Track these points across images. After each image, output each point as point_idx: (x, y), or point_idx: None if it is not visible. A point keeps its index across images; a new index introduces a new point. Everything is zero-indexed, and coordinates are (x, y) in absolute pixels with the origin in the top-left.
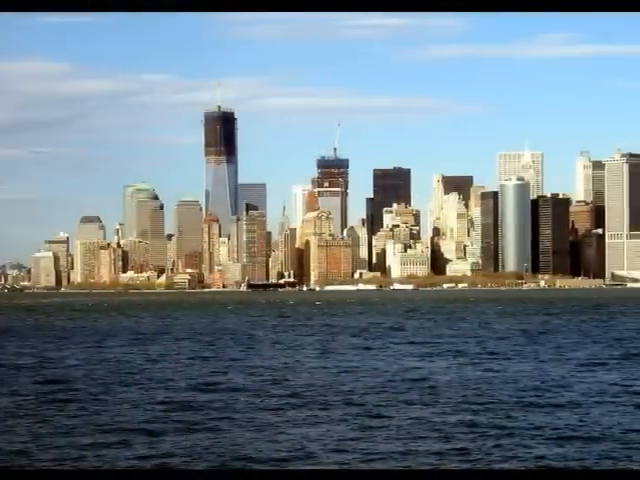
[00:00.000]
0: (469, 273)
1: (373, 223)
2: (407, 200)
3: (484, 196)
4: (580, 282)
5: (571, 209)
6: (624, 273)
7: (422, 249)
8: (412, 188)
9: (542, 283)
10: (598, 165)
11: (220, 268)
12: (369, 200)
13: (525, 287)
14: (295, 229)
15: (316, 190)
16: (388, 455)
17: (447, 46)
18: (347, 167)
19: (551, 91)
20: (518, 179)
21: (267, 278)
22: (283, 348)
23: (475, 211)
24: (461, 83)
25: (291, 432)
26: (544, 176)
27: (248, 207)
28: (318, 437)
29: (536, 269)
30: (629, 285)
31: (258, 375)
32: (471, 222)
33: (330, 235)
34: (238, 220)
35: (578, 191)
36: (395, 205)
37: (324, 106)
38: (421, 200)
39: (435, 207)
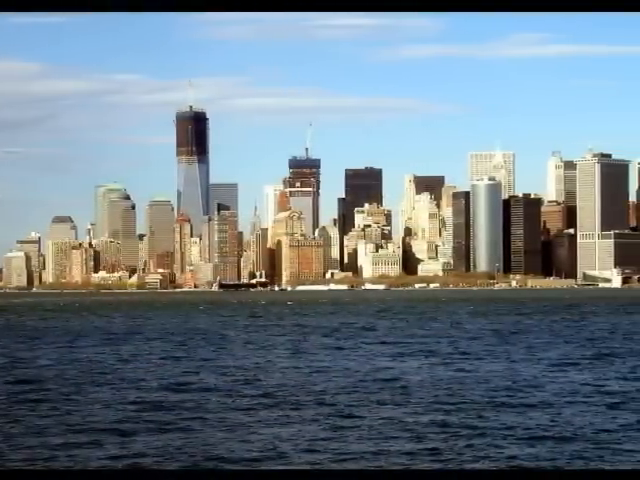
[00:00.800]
0: (441, 273)
1: (345, 223)
2: (379, 200)
3: (456, 196)
4: (552, 282)
5: (543, 209)
6: (596, 273)
7: (394, 249)
8: (384, 188)
9: (514, 283)
10: (570, 165)
11: (192, 268)
12: (341, 200)
13: (497, 287)
14: (267, 229)
15: (288, 190)
16: (360, 455)
17: (420, 46)
18: (319, 167)
19: (523, 91)
20: (490, 179)
21: (239, 278)
22: (255, 348)
23: (447, 211)
24: (433, 83)
25: (263, 432)
26: (516, 176)
27: (220, 207)
28: (290, 437)
29: (508, 269)
30: (601, 285)
31: (230, 375)
32: (443, 222)
33: (302, 235)
34: (210, 220)
35: (550, 191)
36: (367, 205)
37: (296, 106)
38: (393, 200)
39: (407, 207)
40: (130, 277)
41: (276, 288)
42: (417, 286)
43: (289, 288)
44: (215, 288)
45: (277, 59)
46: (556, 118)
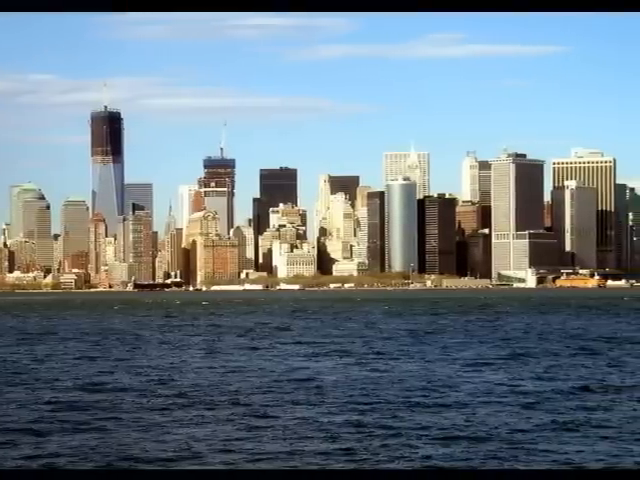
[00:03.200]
0: (355, 273)
1: (259, 223)
2: (294, 200)
3: (370, 196)
4: (466, 282)
5: (457, 209)
6: (510, 273)
7: (308, 249)
8: (299, 188)
9: (429, 283)
10: (484, 165)
11: (106, 268)
12: (256, 200)
13: (412, 287)
14: (181, 229)
15: (202, 190)
16: (274, 455)
17: (335, 46)
18: (233, 167)
19: (437, 91)
20: (404, 179)
21: (153, 278)
22: (169, 348)
23: (361, 211)
24: (348, 83)
25: (177, 432)
26: (430, 176)
27: (134, 207)
28: (204, 437)
29: (422, 269)
30: (515, 285)
31: (144, 375)
32: (357, 222)
33: (216, 235)
34: (124, 220)
35: (464, 191)
36: (282, 205)
37: (211, 106)
38: (308, 200)
39: (321, 207)
40: (45, 277)
41: (191, 288)
42: (332, 286)
43: (204, 288)
44: (130, 288)
45: (192, 59)
46: (471, 118)
